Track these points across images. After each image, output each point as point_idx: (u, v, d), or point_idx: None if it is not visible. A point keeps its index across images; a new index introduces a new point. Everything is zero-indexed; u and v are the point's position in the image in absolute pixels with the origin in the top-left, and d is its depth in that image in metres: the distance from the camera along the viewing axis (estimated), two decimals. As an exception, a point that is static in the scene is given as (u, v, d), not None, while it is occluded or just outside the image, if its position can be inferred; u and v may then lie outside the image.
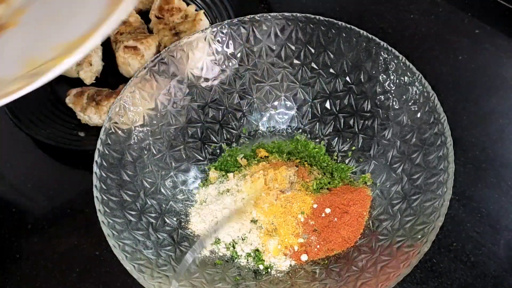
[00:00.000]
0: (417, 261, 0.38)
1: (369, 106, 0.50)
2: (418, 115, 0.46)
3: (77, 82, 0.65)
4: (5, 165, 0.61)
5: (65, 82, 0.66)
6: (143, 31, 0.67)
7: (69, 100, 0.61)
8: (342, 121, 0.53)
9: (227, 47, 0.52)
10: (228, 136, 0.55)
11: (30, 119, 0.61)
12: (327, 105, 0.53)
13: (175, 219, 0.49)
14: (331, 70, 0.52)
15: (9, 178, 0.60)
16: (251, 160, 0.53)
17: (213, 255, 0.47)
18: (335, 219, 0.47)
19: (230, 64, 0.53)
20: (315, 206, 0.48)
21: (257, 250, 0.47)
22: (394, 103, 0.48)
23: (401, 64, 0.47)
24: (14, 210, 0.57)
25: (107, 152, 0.45)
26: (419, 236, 0.40)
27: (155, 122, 0.50)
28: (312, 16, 0.50)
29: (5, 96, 0.32)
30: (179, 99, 0.52)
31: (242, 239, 0.48)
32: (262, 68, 0.54)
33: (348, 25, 0.49)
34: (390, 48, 0.48)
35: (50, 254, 0.53)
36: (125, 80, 0.64)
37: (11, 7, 0.40)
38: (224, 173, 0.53)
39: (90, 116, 0.59)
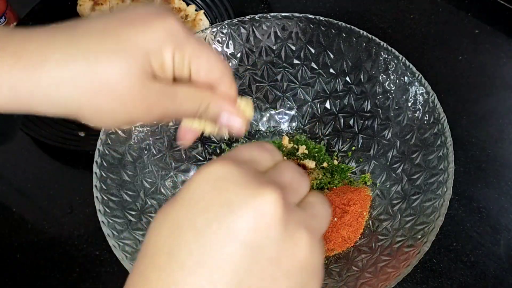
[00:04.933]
0: (417, 261, 0.38)
1: (369, 106, 0.50)
2: (418, 115, 0.46)
3: (77, 82, 0.65)
4: (5, 165, 0.61)
5: (65, 82, 0.66)
6: (143, 31, 0.67)
7: (69, 100, 0.61)
8: (342, 121, 0.53)
9: (227, 47, 0.52)
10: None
11: (30, 119, 0.61)
12: (327, 105, 0.53)
13: (175, 219, 0.49)
14: (331, 70, 0.52)
15: (9, 178, 0.60)
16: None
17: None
18: (335, 219, 0.47)
19: (230, 64, 0.53)
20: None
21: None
22: (394, 103, 0.48)
23: (401, 64, 0.47)
24: (14, 210, 0.57)
25: (107, 152, 0.45)
26: (419, 236, 0.40)
27: (155, 122, 0.50)
28: (312, 16, 0.50)
29: None
30: (179, 99, 0.52)
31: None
32: (262, 68, 0.54)
33: (348, 25, 0.49)
34: (390, 48, 0.48)
35: (50, 254, 0.53)
36: (125, 80, 0.64)
37: None
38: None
39: (90, 116, 0.59)
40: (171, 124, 0.51)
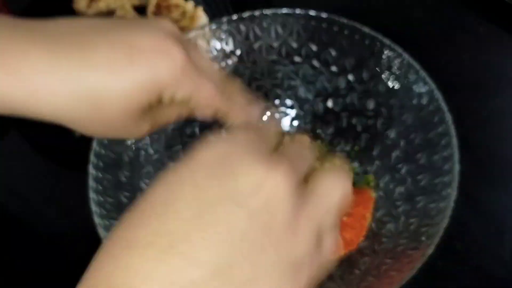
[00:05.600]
0: (421, 263, 0.38)
1: (371, 105, 0.50)
2: (423, 114, 0.45)
3: (74, 81, 0.65)
4: (3, 165, 0.60)
5: (62, 80, 0.66)
6: (141, 28, 0.66)
7: (65, 99, 0.60)
8: (344, 120, 0.52)
9: (227, 44, 0.52)
10: (227, 135, 0.54)
11: (29, 118, 0.60)
12: (329, 104, 0.53)
13: (173, 220, 0.48)
14: (333, 68, 0.51)
15: (5, 179, 0.59)
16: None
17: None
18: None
19: (230, 62, 0.52)
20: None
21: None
22: (397, 102, 0.47)
23: (405, 62, 0.46)
24: (12, 210, 0.57)
25: (103, 152, 0.45)
26: (423, 238, 0.40)
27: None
28: (314, 13, 0.49)
29: None
30: (177, 98, 0.51)
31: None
32: (262, 65, 0.53)
33: (351, 22, 0.49)
34: (393, 45, 0.47)
35: (50, 254, 0.53)
36: (122, 78, 0.63)
37: None
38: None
39: (87, 115, 0.58)
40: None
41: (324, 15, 0.49)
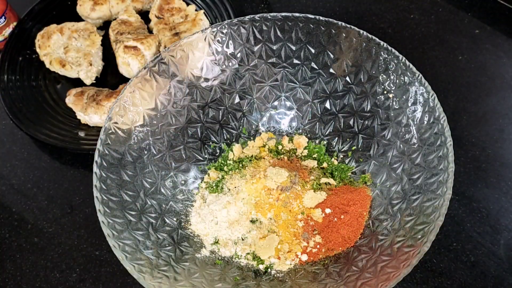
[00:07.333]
0: (417, 261, 0.38)
1: (369, 106, 0.50)
2: (418, 115, 0.46)
3: (77, 82, 0.65)
4: (5, 165, 0.61)
5: (65, 82, 0.66)
6: (143, 31, 0.67)
7: (69, 100, 0.61)
8: (342, 121, 0.53)
9: (227, 47, 0.52)
10: (228, 136, 0.55)
11: (30, 119, 0.61)
12: (327, 105, 0.53)
13: (175, 219, 0.49)
14: (331, 70, 0.52)
15: (9, 178, 0.60)
16: (253, 160, 0.53)
17: (213, 255, 0.47)
18: (335, 219, 0.47)
19: (230, 64, 0.53)
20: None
21: (257, 250, 0.47)
22: (394, 103, 0.48)
23: (401, 64, 0.47)
24: (14, 210, 0.57)
25: (107, 152, 0.45)
26: (419, 236, 0.40)
27: (155, 122, 0.50)
28: (312, 16, 0.50)
29: None
30: (179, 99, 0.52)
31: (242, 239, 0.48)
32: (262, 68, 0.54)
33: (348, 25, 0.49)
34: (390, 48, 0.48)
35: (50, 254, 0.53)
36: (125, 80, 0.64)
37: None
38: (224, 173, 0.53)
39: (90, 116, 0.59)
40: (171, 124, 0.51)
41: (322, 18, 0.50)
